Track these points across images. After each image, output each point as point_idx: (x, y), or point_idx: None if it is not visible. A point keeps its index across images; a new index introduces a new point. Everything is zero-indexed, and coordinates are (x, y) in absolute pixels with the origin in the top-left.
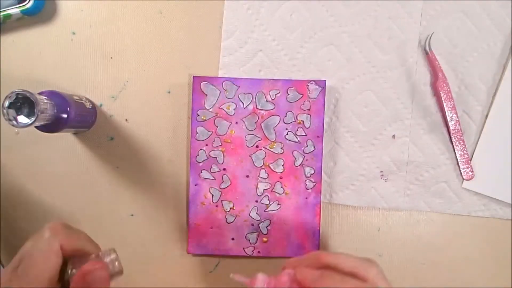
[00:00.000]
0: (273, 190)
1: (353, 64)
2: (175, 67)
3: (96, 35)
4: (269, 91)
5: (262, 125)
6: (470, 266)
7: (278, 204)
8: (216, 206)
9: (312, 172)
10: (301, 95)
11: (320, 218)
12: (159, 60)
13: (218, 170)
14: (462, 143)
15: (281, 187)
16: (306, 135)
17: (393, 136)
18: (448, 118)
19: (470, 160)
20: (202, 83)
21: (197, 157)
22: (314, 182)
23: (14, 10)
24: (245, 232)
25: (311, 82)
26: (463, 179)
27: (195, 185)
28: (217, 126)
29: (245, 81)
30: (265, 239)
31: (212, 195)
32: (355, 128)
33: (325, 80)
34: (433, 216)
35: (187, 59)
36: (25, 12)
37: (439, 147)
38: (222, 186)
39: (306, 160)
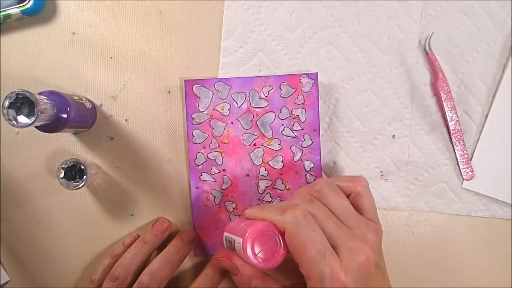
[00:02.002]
0: (274, 187)
1: (353, 64)
2: (175, 67)
3: (96, 35)
4: (262, 88)
5: (258, 122)
6: (470, 266)
7: (280, 201)
8: (219, 207)
9: (312, 166)
10: (294, 90)
11: None
12: (159, 60)
13: (218, 171)
14: (462, 143)
15: (282, 183)
16: (302, 129)
17: (393, 136)
18: (448, 118)
19: (470, 160)
20: (194, 86)
21: (196, 160)
22: (314, 176)
23: (14, 10)
24: None
25: (303, 75)
26: (463, 179)
27: (196, 188)
28: (213, 128)
29: (237, 80)
30: None
31: (214, 197)
32: (355, 128)
33: (317, 73)
34: (433, 216)
35: (187, 59)
36: (25, 12)
37: (439, 147)
38: (223, 187)
39: (305, 154)
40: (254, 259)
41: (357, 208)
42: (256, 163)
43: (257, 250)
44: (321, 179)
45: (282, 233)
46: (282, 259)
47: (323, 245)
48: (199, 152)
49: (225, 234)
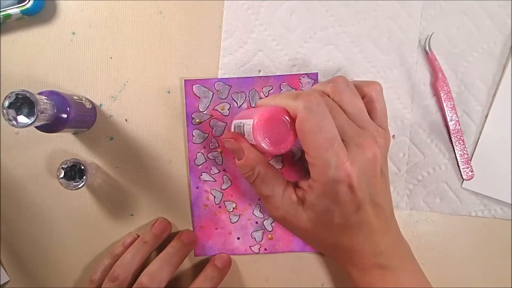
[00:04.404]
0: None
1: (353, 64)
2: (175, 67)
3: (96, 35)
4: (262, 88)
5: None
6: (470, 266)
7: None
8: (219, 207)
9: None
10: (294, 90)
11: None
12: (159, 60)
13: (218, 171)
14: (462, 143)
15: None
16: None
17: (393, 136)
18: (448, 118)
19: (470, 160)
20: (194, 86)
21: (196, 160)
22: None
23: (14, 10)
24: (250, 231)
25: (303, 75)
26: (463, 179)
27: (196, 188)
28: (213, 128)
29: (237, 80)
30: (270, 236)
31: (214, 197)
32: None
33: (317, 73)
34: (433, 216)
35: (187, 59)
36: (25, 12)
37: (439, 147)
38: (223, 187)
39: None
40: (263, 142)
41: (369, 112)
42: None
43: (266, 134)
44: (338, 76)
45: (293, 119)
46: (291, 146)
47: (332, 133)
48: (199, 152)
49: (234, 121)
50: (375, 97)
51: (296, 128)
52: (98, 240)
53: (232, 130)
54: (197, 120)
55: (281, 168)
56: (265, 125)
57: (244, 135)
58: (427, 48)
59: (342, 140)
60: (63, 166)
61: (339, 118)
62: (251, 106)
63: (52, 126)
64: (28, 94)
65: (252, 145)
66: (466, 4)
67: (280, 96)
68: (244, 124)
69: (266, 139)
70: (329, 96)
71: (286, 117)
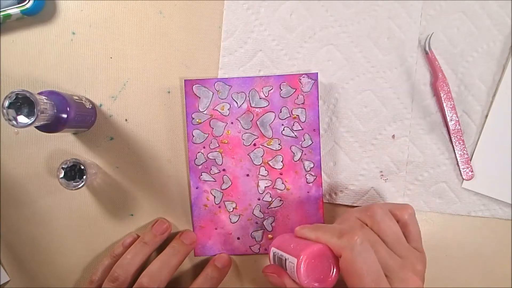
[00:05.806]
0: (274, 186)
1: (352, 64)
2: (175, 67)
3: (96, 35)
4: (262, 88)
5: (258, 122)
6: (470, 266)
7: (280, 201)
8: (219, 207)
9: (312, 165)
10: (294, 90)
11: (323, 211)
12: (159, 60)
13: (218, 171)
14: (462, 143)
15: (282, 183)
16: (302, 129)
17: (393, 136)
18: (448, 118)
19: (470, 160)
20: (194, 86)
21: (196, 160)
22: (314, 176)
23: (14, 10)
24: (250, 231)
25: (303, 75)
26: (463, 179)
27: (196, 188)
28: (213, 128)
29: (237, 80)
30: (270, 236)
31: (214, 197)
32: (354, 128)
33: (317, 73)
34: (433, 216)
35: (187, 59)
36: (25, 12)
37: (439, 147)
38: (223, 187)
39: (305, 154)
40: (307, 282)
41: (404, 236)
42: (256, 163)
43: (310, 273)
44: (375, 205)
45: (336, 257)
46: (333, 283)
47: (378, 274)
48: (199, 152)
49: (274, 249)
50: (408, 221)
51: (340, 267)
52: (98, 240)
53: (271, 258)
54: (197, 120)
55: (281, 168)
56: (309, 265)
57: (286, 269)
58: (427, 48)
59: (385, 275)
60: (63, 166)
61: (380, 252)
62: (251, 106)
63: (52, 126)
64: (28, 94)
65: (294, 279)
66: (466, 4)
67: (322, 230)
68: (285, 259)
69: (310, 279)
70: (367, 225)
71: (330, 256)
